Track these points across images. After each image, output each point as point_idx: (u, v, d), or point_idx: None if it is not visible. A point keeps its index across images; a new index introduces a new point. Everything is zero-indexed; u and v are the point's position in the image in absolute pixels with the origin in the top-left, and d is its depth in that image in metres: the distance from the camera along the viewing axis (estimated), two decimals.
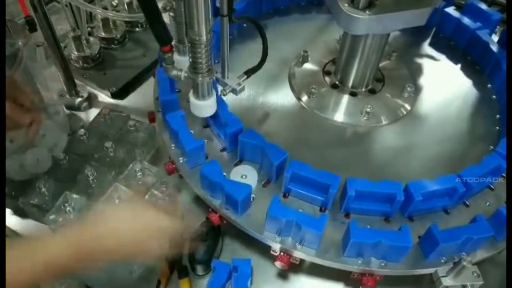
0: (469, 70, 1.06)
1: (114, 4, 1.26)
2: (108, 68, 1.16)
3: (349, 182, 0.71)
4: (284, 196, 0.77)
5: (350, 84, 0.97)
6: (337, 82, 0.99)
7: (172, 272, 0.78)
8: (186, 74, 0.71)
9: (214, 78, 0.74)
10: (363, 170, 0.83)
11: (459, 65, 1.08)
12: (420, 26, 0.81)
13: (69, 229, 0.64)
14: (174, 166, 0.82)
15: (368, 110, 0.91)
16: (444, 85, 1.02)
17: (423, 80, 1.02)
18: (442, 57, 1.10)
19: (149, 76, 1.16)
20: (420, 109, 0.95)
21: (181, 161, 0.81)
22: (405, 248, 0.67)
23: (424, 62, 1.09)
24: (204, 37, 0.63)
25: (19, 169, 0.84)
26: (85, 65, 1.15)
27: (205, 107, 0.76)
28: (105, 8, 1.18)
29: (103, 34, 1.19)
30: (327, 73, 1.02)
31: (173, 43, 0.68)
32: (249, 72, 0.84)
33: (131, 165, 0.87)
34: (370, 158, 0.87)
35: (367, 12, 0.77)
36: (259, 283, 0.77)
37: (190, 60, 0.68)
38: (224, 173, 0.74)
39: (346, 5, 0.78)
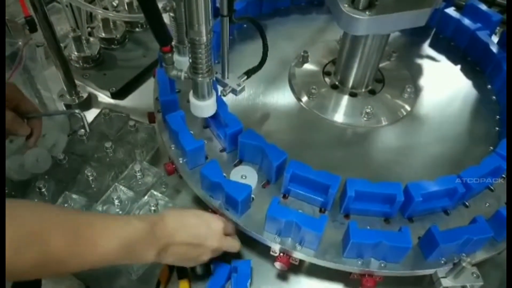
0: (469, 71, 1.06)
1: (115, 4, 1.26)
2: (108, 69, 1.16)
3: (349, 183, 0.71)
4: (284, 196, 0.77)
5: (350, 85, 0.97)
6: (337, 83, 0.99)
7: (172, 273, 0.78)
8: (186, 75, 0.71)
9: (214, 78, 0.74)
10: (363, 170, 0.83)
11: (459, 66, 1.08)
12: (420, 26, 0.81)
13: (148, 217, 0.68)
14: (174, 166, 0.82)
15: (368, 110, 0.91)
16: (444, 86, 1.02)
17: (423, 81, 1.02)
18: (442, 58, 1.10)
19: (149, 77, 1.16)
20: (420, 110, 0.96)
21: (181, 162, 0.81)
22: (405, 249, 0.67)
23: (424, 62, 1.09)
24: (204, 38, 0.63)
25: (18, 169, 0.84)
26: (85, 65, 1.15)
27: (205, 107, 0.76)
28: (106, 8, 1.18)
29: (103, 35, 1.19)
30: (327, 73, 1.02)
31: (173, 43, 0.68)
32: (249, 73, 0.84)
33: (131, 166, 0.87)
34: (370, 158, 0.87)
35: (367, 12, 0.77)
36: (259, 284, 0.77)
37: (190, 60, 0.68)
38: (224, 174, 0.74)
39: (346, 5, 0.78)
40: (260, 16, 1.16)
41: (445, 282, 0.68)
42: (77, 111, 0.86)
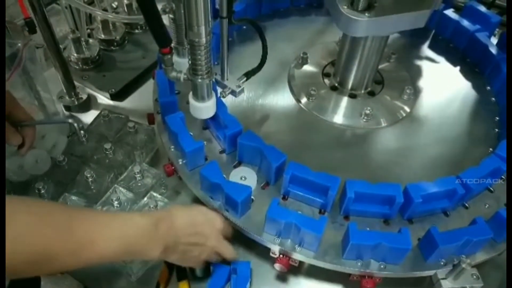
0: (468, 72, 1.06)
1: (114, 6, 1.26)
2: (107, 70, 1.16)
3: (348, 184, 0.71)
4: (284, 198, 0.77)
5: (349, 86, 0.97)
6: (336, 84, 0.99)
7: (171, 274, 0.77)
8: (185, 76, 0.71)
9: (214, 80, 0.74)
10: (362, 172, 0.83)
11: (458, 67, 1.08)
12: (419, 28, 0.81)
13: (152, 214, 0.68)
14: (173, 168, 0.82)
15: (368, 112, 0.91)
16: (443, 87, 1.03)
17: (422, 82, 1.03)
18: (441, 59, 1.10)
19: (148, 78, 1.16)
20: (420, 111, 0.96)
21: (180, 163, 0.81)
22: (405, 250, 0.67)
23: (424, 64, 1.09)
24: (203, 39, 0.63)
25: (18, 170, 0.84)
26: (84, 66, 1.15)
27: (204, 108, 0.76)
28: (105, 10, 1.18)
29: (102, 36, 1.19)
30: (327, 75, 1.02)
31: (172, 45, 0.68)
32: (248, 74, 0.84)
33: (130, 167, 0.87)
34: (369, 160, 0.87)
35: (366, 14, 0.77)
36: (258, 285, 0.77)
37: (190, 62, 0.68)
38: (223, 175, 0.74)
39: (346, 7, 0.79)
40: (260, 17, 1.16)
41: (445, 283, 0.68)
42: (70, 120, 0.86)
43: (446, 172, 0.79)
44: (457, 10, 1.15)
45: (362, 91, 0.98)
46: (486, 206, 0.78)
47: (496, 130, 0.92)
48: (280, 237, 0.71)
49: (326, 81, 1.01)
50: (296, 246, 0.71)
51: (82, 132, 0.87)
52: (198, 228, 0.68)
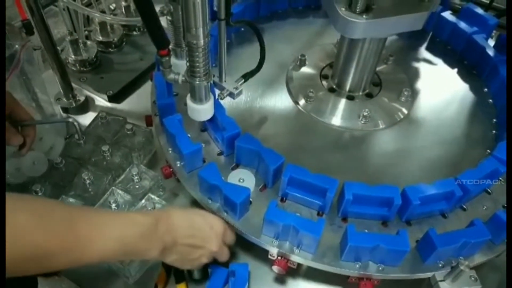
0: (465, 74, 1.07)
1: (112, 8, 1.26)
2: (105, 72, 1.16)
3: (346, 186, 0.71)
4: (282, 200, 0.77)
5: (347, 88, 0.97)
6: (334, 86, 0.99)
7: (169, 277, 0.77)
8: (183, 78, 0.71)
9: (212, 81, 0.74)
10: (360, 174, 0.83)
11: (455, 69, 1.08)
12: (417, 30, 0.81)
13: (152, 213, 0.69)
14: (171, 170, 0.82)
15: (365, 114, 0.91)
16: (441, 89, 1.03)
17: (420, 84, 1.03)
18: (439, 61, 1.11)
19: (146, 80, 1.16)
20: (417, 113, 0.96)
21: (178, 165, 0.81)
22: (403, 252, 0.67)
23: (421, 66, 1.09)
24: (201, 41, 0.63)
25: (15, 172, 0.84)
26: (82, 68, 1.15)
27: (202, 111, 0.76)
28: (103, 11, 1.18)
29: (100, 38, 1.19)
30: (325, 77, 1.02)
31: (170, 46, 0.68)
32: (246, 76, 0.84)
33: (128, 169, 0.87)
34: (367, 162, 0.87)
35: (364, 16, 0.77)
36: None
37: (188, 63, 0.68)
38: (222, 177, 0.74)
39: (343, 9, 0.79)
40: (258, 19, 1.16)
41: (443, 285, 0.68)
42: (70, 119, 0.85)
43: (444, 174, 0.79)
44: (455, 12, 1.15)
45: (360, 93, 0.98)
46: (484, 208, 0.78)
47: (494, 132, 0.92)
48: (278, 239, 0.71)
49: (324, 83, 1.01)
50: (294, 248, 0.70)
51: (80, 131, 0.86)
52: (196, 230, 0.68)
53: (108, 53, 1.21)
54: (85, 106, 1.09)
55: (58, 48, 0.99)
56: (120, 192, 0.83)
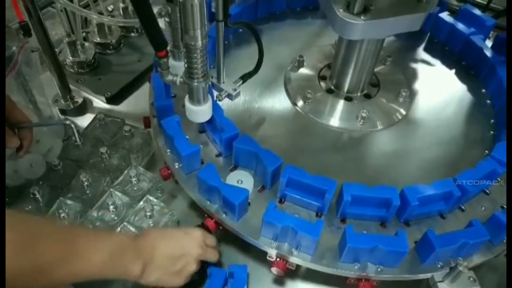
0: (463, 75, 1.07)
1: (110, 9, 1.26)
2: (103, 73, 1.16)
3: (345, 187, 0.71)
4: (280, 201, 0.77)
5: (345, 89, 0.97)
6: (332, 87, 0.99)
7: None
8: (181, 79, 0.71)
9: (210, 83, 0.74)
10: (359, 175, 0.83)
11: (453, 70, 1.08)
12: (414, 31, 0.81)
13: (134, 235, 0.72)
14: (169, 171, 0.82)
15: (364, 115, 0.91)
16: (439, 90, 1.03)
17: (418, 85, 1.03)
18: (436, 62, 1.11)
19: (144, 81, 1.15)
20: (415, 114, 0.96)
21: (176, 167, 0.80)
22: (402, 253, 0.67)
23: (419, 67, 1.09)
24: (199, 42, 0.63)
25: (13, 175, 0.84)
26: (80, 70, 1.14)
27: (200, 112, 0.75)
28: (100, 13, 1.18)
29: (98, 39, 1.19)
30: (323, 78, 1.02)
31: (168, 48, 0.68)
32: (244, 77, 0.84)
33: (126, 171, 0.86)
34: (365, 163, 0.87)
35: (362, 17, 0.77)
36: None
37: (186, 65, 0.68)
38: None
39: (341, 10, 0.79)
40: (256, 20, 1.16)
41: (442, 286, 0.67)
42: (67, 122, 0.85)
43: (442, 174, 0.79)
44: (452, 13, 1.15)
45: (358, 94, 0.98)
46: (483, 209, 0.78)
47: (492, 132, 0.92)
48: (277, 240, 0.71)
49: (322, 84, 1.01)
50: (293, 249, 0.70)
51: (77, 133, 0.86)
52: (172, 239, 0.69)
53: (106, 54, 1.20)
54: (83, 108, 1.09)
55: (56, 49, 0.99)
56: (118, 194, 0.83)
